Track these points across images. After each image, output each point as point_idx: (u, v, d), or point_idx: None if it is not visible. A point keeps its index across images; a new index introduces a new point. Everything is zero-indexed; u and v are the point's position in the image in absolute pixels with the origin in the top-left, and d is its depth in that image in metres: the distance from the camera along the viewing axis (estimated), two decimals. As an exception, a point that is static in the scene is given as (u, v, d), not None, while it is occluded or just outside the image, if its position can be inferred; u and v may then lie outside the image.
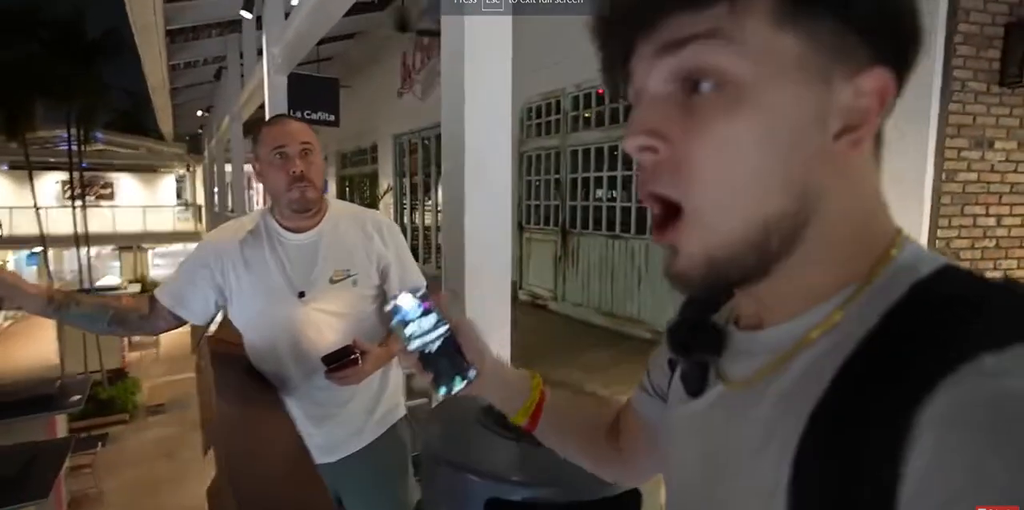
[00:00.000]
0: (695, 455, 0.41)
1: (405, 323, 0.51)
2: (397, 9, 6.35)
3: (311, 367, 1.19)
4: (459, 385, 0.53)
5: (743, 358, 0.38)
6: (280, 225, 1.23)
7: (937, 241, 2.84)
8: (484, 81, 1.47)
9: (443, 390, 0.53)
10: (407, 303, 0.51)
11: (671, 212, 0.33)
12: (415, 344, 0.51)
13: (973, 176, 2.90)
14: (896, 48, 0.32)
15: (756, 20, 0.31)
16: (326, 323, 1.22)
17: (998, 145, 2.92)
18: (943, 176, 2.81)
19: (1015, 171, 2.98)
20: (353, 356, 1.13)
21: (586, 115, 5.01)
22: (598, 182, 4.97)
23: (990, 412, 0.24)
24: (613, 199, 4.80)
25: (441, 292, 0.54)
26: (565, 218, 5.31)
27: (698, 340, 0.41)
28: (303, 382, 1.24)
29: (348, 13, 4.10)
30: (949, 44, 2.74)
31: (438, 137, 7.39)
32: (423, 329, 0.51)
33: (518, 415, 0.58)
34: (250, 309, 1.23)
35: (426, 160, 7.98)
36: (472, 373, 0.53)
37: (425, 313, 0.51)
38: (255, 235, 1.23)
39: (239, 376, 1.29)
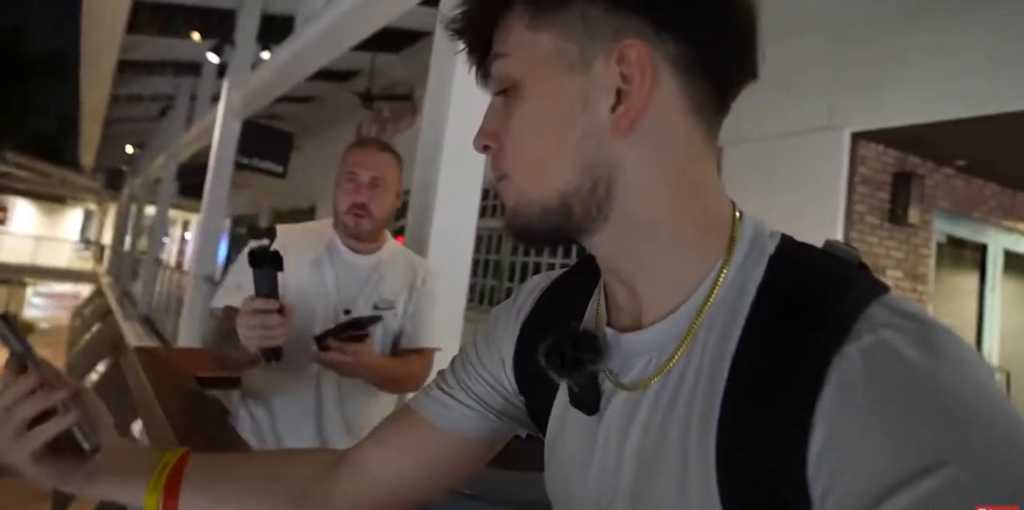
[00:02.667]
0: (609, 466, 0.39)
1: None
2: (364, 82, 6.61)
3: (334, 379, 1.14)
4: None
5: (634, 360, 0.39)
6: (343, 240, 1.22)
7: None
8: (459, 155, 1.54)
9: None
10: None
11: (502, 180, 0.40)
12: None
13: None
14: (667, 7, 0.35)
15: (516, 31, 0.37)
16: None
17: (889, 273, 3.32)
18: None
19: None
20: (359, 332, 1.02)
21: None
22: (537, 267, 5.10)
23: (882, 385, 0.27)
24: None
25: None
26: (501, 298, 5.34)
27: (585, 351, 0.38)
28: (331, 393, 1.16)
29: (311, 78, 4.22)
30: (851, 183, 3.19)
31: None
32: None
33: (148, 494, 0.48)
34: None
35: (367, 227, 7.90)
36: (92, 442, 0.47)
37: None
38: (320, 241, 1.21)
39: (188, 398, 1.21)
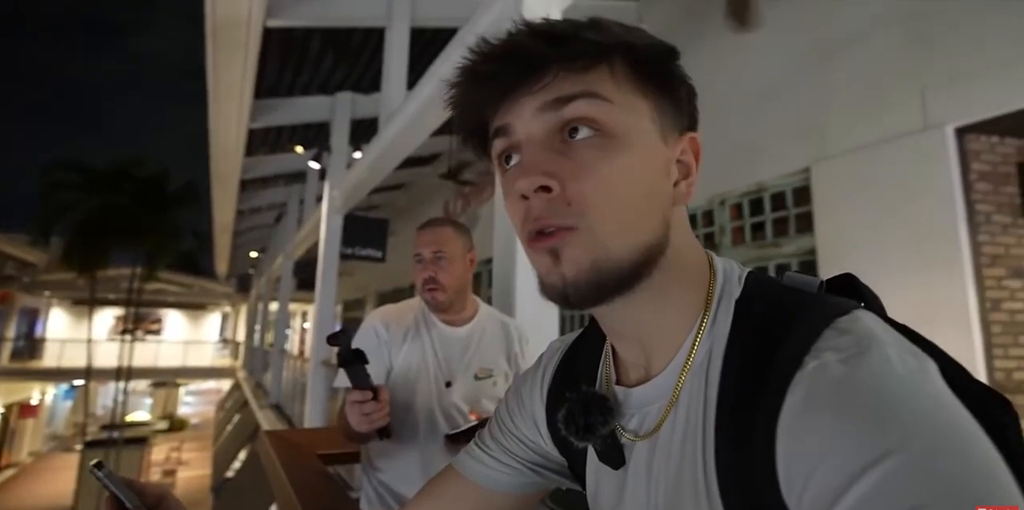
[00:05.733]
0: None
1: None
2: (445, 162, 7.14)
3: (436, 449, 1.19)
4: None
5: (646, 410, 0.42)
6: (436, 316, 1.28)
7: (996, 372, 2.67)
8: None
9: None
10: None
11: (564, 232, 0.37)
12: None
13: (1019, 305, 2.83)
14: (693, 119, 0.43)
15: (618, 86, 0.39)
16: (461, 416, 1.23)
17: (1038, 277, 2.89)
18: (987, 305, 2.75)
19: (1066, 301, 2.89)
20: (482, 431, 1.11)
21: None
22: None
23: (819, 402, 0.30)
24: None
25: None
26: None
27: (596, 414, 0.42)
28: (438, 453, 1.21)
29: (399, 167, 4.64)
30: (966, 181, 2.90)
31: (475, 276, 7.69)
32: None
33: None
34: (398, 387, 1.24)
35: (463, 297, 8.15)
36: None
37: None
38: (416, 319, 1.28)
39: (313, 476, 1.28)
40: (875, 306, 0.39)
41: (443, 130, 4.59)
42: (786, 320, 0.36)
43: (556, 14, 1.90)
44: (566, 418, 0.43)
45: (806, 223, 3.36)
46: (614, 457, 0.43)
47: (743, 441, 0.33)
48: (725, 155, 3.95)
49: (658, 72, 0.40)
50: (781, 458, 0.31)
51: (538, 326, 1.53)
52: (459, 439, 1.09)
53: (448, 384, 1.23)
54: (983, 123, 2.80)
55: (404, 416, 1.22)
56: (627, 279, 0.37)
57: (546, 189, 0.37)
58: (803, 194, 3.40)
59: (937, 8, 2.88)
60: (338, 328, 1.05)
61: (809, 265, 3.40)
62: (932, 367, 0.31)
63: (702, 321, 0.40)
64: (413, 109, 3.22)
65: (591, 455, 0.47)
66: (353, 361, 1.01)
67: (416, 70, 3.67)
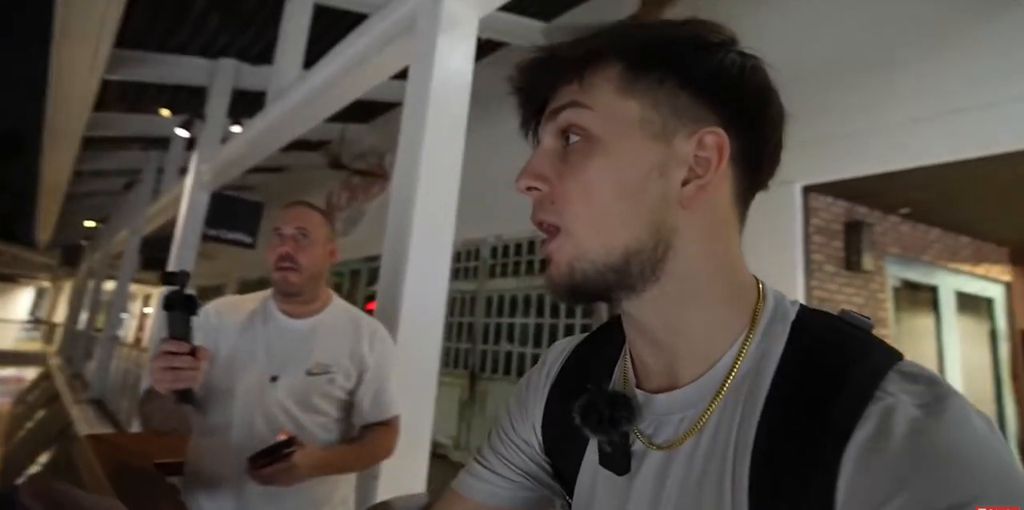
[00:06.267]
0: None
1: None
2: (333, 149, 6.77)
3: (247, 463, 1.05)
4: None
5: (665, 420, 0.41)
6: (278, 307, 1.20)
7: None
8: (430, 220, 1.57)
9: None
10: None
11: (554, 233, 0.40)
12: None
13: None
14: (739, 110, 0.40)
15: (603, 90, 0.40)
16: (286, 414, 1.14)
17: (853, 319, 3.41)
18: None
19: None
20: (287, 450, 0.98)
21: (503, 264, 5.30)
22: (511, 328, 5.07)
23: (895, 439, 0.30)
24: (525, 344, 4.86)
25: None
26: (475, 362, 5.24)
27: (621, 410, 0.40)
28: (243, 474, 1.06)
29: (283, 149, 4.31)
30: (807, 233, 3.35)
31: (352, 273, 7.36)
32: None
33: None
34: (219, 379, 1.13)
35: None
36: None
37: None
38: (254, 310, 1.20)
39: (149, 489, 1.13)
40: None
41: (338, 116, 4.36)
42: (850, 353, 0.35)
43: (472, 9, 1.88)
44: (585, 408, 0.41)
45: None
46: (621, 462, 0.41)
47: (793, 464, 0.33)
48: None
49: (651, 70, 0.39)
50: (844, 486, 0.31)
51: (424, 326, 1.47)
52: (258, 462, 0.98)
53: (274, 378, 1.14)
54: (823, 184, 3.26)
55: (221, 411, 1.13)
56: (606, 281, 0.38)
57: (532, 190, 0.41)
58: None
59: (802, 77, 3.31)
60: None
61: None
62: (994, 424, 0.33)
63: (747, 339, 0.39)
64: (308, 90, 3.01)
65: (588, 459, 0.45)
66: (181, 306, 0.91)
67: (315, 49, 3.44)
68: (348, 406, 1.20)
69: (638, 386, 0.44)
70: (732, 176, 0.41)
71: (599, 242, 0.38)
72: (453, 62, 1.79)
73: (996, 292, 4.45)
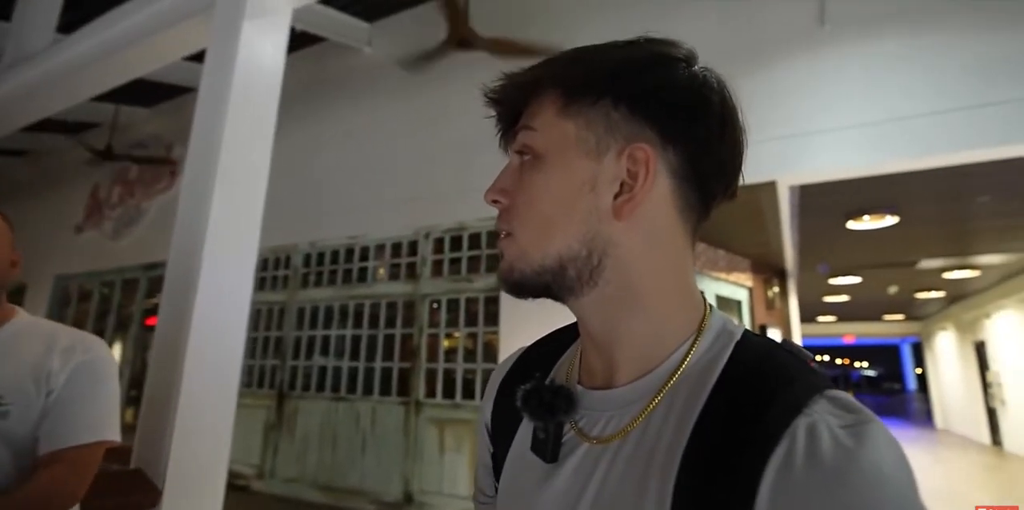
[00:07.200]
0: None
1: None
2: (104, 136, 5.67)
3: None
4: None
5: (597, 416, 0.44)
6: None
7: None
8: (231, 222, 1.38)
9: None
10: None
11: (507, 237, 0.45)
12: None
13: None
14: (673, 125, 0.42)
15: (546, 113, 0.44)
16: None
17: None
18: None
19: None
20: None
21: (318, 272, 4.94)
22: (325, 341, 4.74)
23: (817, 456, 0.33)
24: (341, 357, 4.58)
25: None
26: (284, 379, 4.78)
27: (561, 401, 0.44)
28: None
29: (28, 128, 3.49)
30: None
31: (125, 283, 6.22)
32: None
33: None
34: None
35: (101, 310, 6.48)
36: None
37: None
38: None
39: None
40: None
41: (109, 95, 3.67)
42: (786, 375, 0.38)
43: (285, 5, 1.73)
44: (528, 392, 0.45)
45: (497, 263, 3.85)
46: (551, 449, 0.44)
47: (718, 471, 0.35)
48: (436, 192, 4.19)
49: (585, 92, 0.43)
50: (765, 495, 0.33)
51: (221, 343, 1.27)
52: None
53: None
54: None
55: None
56: (544, 281, 0.43)
57: (495, 202, 0.46)
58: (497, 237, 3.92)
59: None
60: None
61: (493, 300, 3.83)
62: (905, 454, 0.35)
63: (690, 350, 0.42)
64: (66, 59, 2.47)
65: (517, 443, 0.48)
66: None
67: (77, 10, 2.84)
68: (34, 444, 0.96)
69: (580, 382, 0.47)
70: (673, 189, 0.43)
71: (537, 247, 0.43)
72: (261, 50, 1.62)
73: (743, 295, 5.50)
